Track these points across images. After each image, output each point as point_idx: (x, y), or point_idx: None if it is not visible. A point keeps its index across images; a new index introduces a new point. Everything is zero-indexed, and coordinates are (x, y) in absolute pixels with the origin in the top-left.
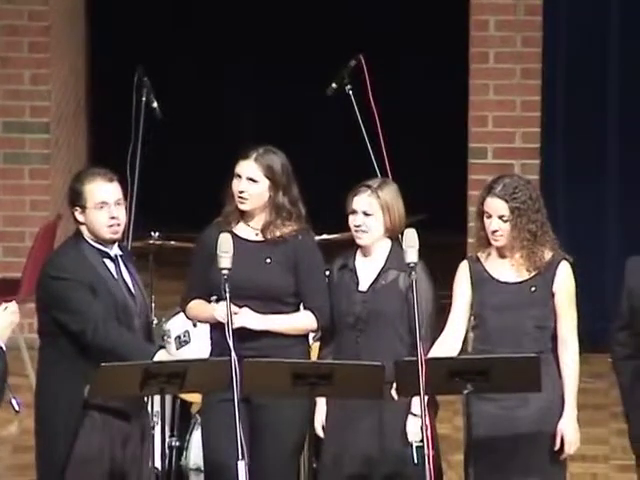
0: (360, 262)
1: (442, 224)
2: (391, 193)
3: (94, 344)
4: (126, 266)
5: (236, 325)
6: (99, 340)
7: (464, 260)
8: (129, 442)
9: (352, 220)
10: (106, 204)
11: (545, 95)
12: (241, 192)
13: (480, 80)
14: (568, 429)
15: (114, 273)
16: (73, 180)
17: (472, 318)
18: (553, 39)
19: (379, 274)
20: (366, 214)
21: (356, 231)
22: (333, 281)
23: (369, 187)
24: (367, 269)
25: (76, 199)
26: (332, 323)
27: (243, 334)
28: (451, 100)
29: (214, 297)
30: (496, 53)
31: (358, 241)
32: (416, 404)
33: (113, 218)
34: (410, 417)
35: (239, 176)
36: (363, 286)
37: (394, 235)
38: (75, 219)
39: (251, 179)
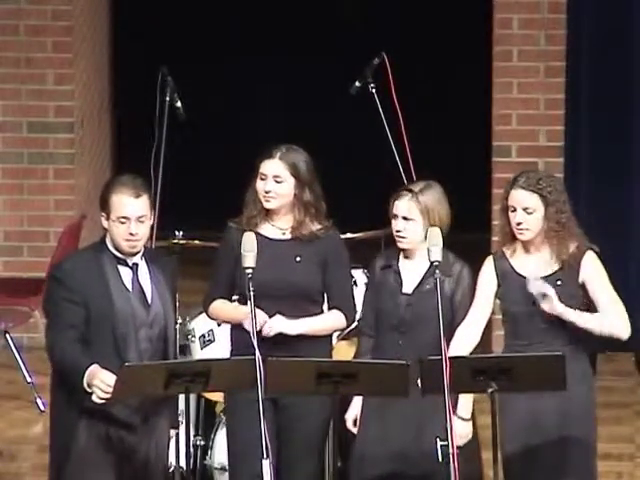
0: (404, 264)
1: (466, 223)
2: (433, 197)
3: (48, 352)
4: (151, 273)
5: (272, 333)
6: (50, 347)
7: (489, 256)
8: (140, 446)
9: (394, 225)
10: (127, 219)
11: (569, 93)
12: (267, 192)
13: (504, 78)
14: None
15: (128, 282)
16: (105, 185)
17: (501, 314)
18: (577, 37)
19: (423, 277)
20: (406, 219)
21: (396, 235)
22: (375, 280)
23: (410, 191)
24: (411, 272)
25: (103, 206)
26: (374, 322)
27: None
28: (475, 98)
29: (236, 297)
30: (520, 51)
31: (399, 244)
32: (463, 407)
33: (131, 234)
34: (457, 420)
35: (264, 176)
36: (407, 288)
37: None
38: (102, 223)
39: (277, 178)
